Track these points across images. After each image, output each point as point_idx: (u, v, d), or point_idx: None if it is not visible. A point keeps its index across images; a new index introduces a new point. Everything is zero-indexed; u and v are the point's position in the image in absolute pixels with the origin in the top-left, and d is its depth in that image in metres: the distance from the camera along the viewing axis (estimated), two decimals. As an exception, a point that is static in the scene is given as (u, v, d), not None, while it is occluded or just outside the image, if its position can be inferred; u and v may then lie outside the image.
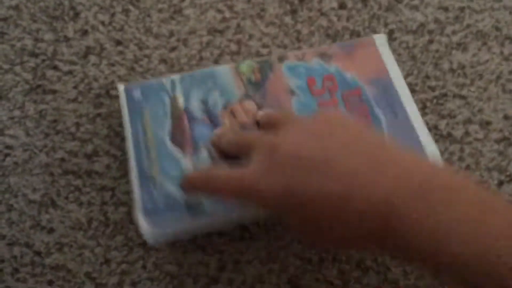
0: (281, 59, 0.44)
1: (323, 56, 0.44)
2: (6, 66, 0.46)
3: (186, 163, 0.40)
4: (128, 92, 0.43)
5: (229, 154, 0.39)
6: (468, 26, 0.49)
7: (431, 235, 0.27)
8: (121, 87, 0.43)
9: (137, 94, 0.43)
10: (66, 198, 0.43)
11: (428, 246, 0.27)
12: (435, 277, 0.29)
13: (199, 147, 0.41)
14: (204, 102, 0.42)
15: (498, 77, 0.47)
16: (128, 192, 0.43)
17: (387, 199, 0.29)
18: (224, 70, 0.44)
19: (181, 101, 0.42)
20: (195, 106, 0.42)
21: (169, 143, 0.41)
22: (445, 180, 0.29)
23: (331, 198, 0.30)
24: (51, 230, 0.42)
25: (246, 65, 0.44)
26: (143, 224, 0.38)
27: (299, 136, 0.33)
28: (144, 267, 0.42)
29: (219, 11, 0.49)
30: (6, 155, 0.44)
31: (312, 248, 0.41)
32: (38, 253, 0.42)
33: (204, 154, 0.41)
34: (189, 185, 0.36)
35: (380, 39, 0.45)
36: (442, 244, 0.27)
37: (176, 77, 0.43)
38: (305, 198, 0.30)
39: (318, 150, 0.31)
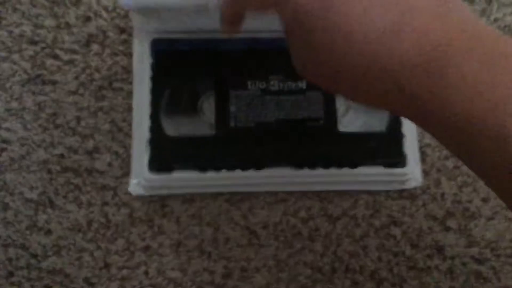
0: None
1: None
2: (3, 54, 0.43)
3: None
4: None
5: None
6: (496, 20, 0.46)
7: (492, 101, 0.22)
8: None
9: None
10: (65, 197, 0.41)
11: (484, 113, 0.22)
12: (467, 159, 0.25)
13: None
14: None
15: (527, 77, 0.44)
16: (130, 193, 0.40)
17: (443, 47, 0.23)
18: None
19: None
20: None
21: None
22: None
23: (381, 26, 0.24)
24: (48, 232, 0.40)
25: None
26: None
27: None
28: (146, 273, 0.40)
29: None
30: (2, 149, 0.41)
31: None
32: (34, 256, 0.40)
33: None
34: None
35: None
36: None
37: None
38: (347, 16, 0.24)
39: None
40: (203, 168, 0.39)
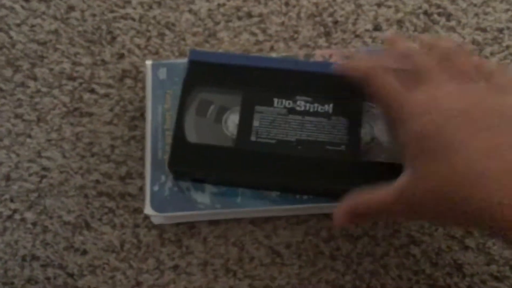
0: (306, 56, 0.44)
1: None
2: (44, 89, 0.47)
3: None
4: (154, 70, 0.44)
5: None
6: (508, 47, 0.48)
7: None
8: (149, 62, 0.45)
9: (162, 74, 0.44)
10: (100, 220, 0.43)
11: None
12: None
13: None
14: None
15: (540, 100, 0.45)
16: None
17: None
18: None
19: None
20: None
21: None
22: None
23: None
24: (84, 252, 0.43)
25: None
26: (149, 208, 0.41)
27: (480, 98, 0.32)
28: (175, 290, 0.42)
29: (253, 33, 0.49)
30: (43, 176, 0.45)
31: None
32: (71, 275, 0.42)
33: None
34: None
35: None
36: None
37: None
38: (457, 140, 0.29)
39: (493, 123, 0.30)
40: (220, 179, 0.40)
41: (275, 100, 0.41)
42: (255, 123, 0.41)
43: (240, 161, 0.40)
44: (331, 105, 0.41)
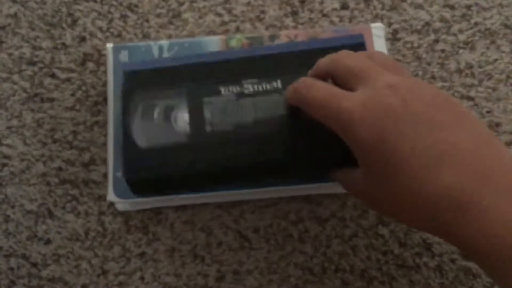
0: (272, 37, 0.44)
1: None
2: (4, 75, 0.46)
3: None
4: (115, 53, 0.44)
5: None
6: (476, 24, 0.47)
7: None
8: (109, 45, 0.44)
9: (124, 57, 0.44)
10: (63, 208, 0.42)
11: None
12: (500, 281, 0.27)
13: None
14: None
15: (508, 77, 0.45)
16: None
17: (481, 182, 0.27)
18: (213, 42, 0.44)
19: None
20: None
21: None
22: None
23: (425, 162, 0.28)
24: (48, 241, 0.42)
25: (236, 40, 0.43)
26: (112, 195, 0.40)
27: (419, 87, 0.30)
28: (142, 278, 0.41)
29: (218, 14, 0.48)
30: (4, 165, 0.43)
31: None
32: (34, 265, 0.41)
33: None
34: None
35: (378, 30, 0.44)
36: None
37: (164, 43, 0.44)
38: (396, 152, 0.28)
39: (433, 109, 0.29)
40: (183, 181, 0.39)
41: (222, 88, 0.40)
42: (207, 114, 0.40)
43: (199, 154, 0.38)
44: (279, 81, 0.40)
